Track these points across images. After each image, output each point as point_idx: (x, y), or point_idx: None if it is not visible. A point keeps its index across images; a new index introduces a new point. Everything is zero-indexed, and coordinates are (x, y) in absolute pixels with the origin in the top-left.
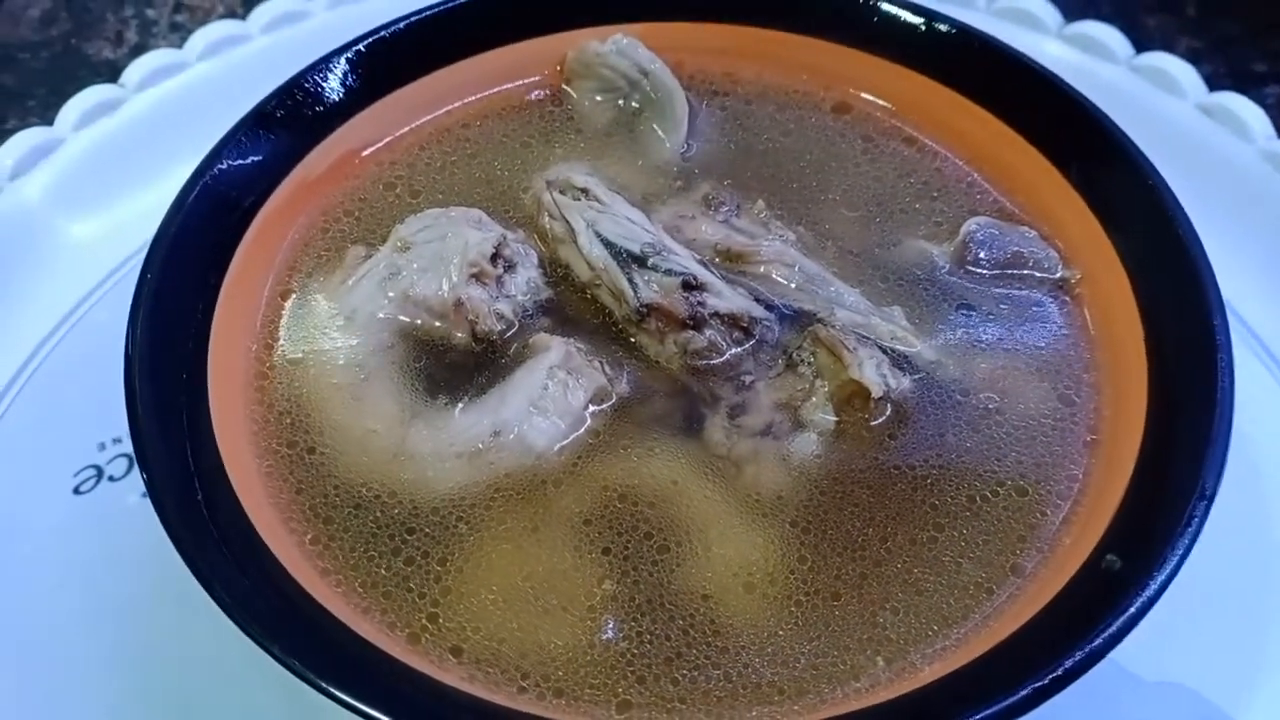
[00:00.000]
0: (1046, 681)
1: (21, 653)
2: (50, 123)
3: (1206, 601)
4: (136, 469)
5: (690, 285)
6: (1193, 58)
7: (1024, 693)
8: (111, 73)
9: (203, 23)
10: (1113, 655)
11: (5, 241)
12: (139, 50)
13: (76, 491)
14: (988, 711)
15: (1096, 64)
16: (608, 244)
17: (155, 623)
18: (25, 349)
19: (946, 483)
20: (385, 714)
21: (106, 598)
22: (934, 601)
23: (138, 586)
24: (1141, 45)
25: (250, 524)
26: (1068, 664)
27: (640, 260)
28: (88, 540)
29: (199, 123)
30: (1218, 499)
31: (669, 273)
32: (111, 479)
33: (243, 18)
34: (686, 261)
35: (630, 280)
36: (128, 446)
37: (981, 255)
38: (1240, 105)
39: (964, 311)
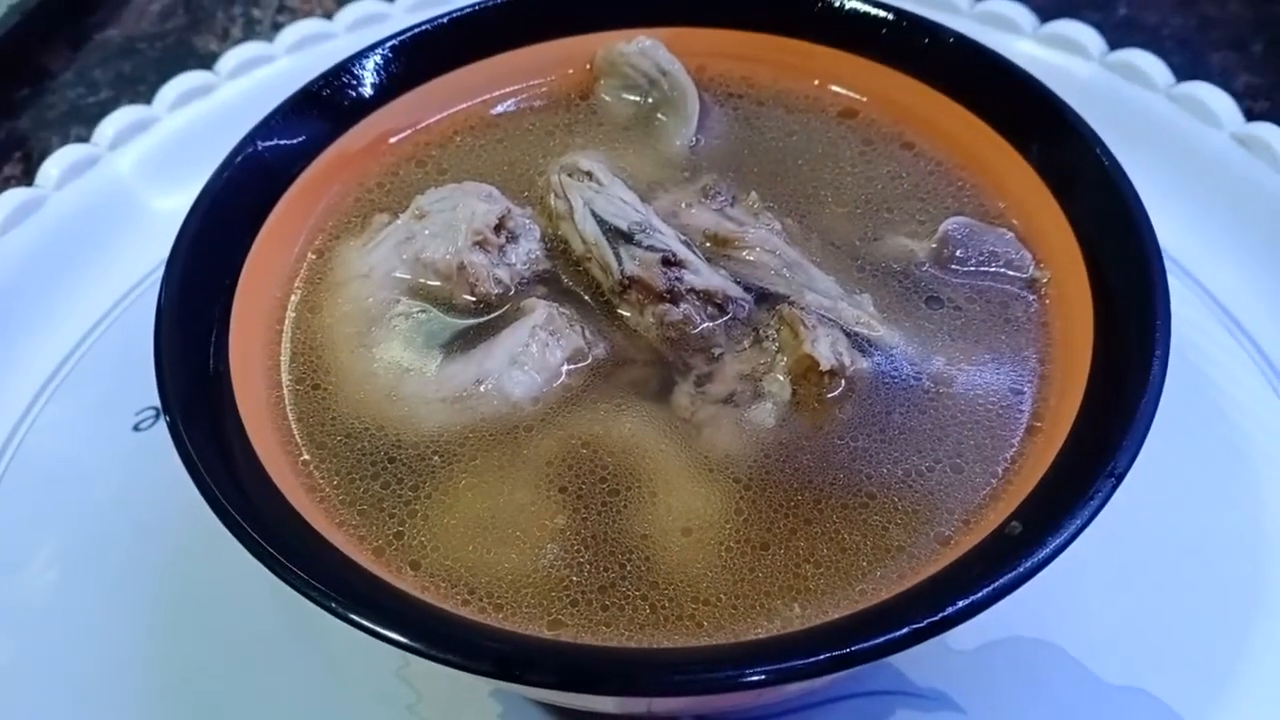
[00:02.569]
0: (924, 624)
1: (77, 563)
2: (150, 103)
3: (1183, 605)
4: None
5: (669, 261)
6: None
7: (902, 632)
8: (213, 64)
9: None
10: (1079, 659)
11: (98, 205)
12: (242, 44)
13: (136, 429)
14: (864, 645)
15: (1132, 88)
16: (600, 221)
17: (193, 544)
18: (106, 302)
19: (886, 456)
20: (349, 610)
21: (153, 522)
22: (856, 560)
23: (180, 513)
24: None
25: (250, 445)
26: (946, 611)
27: (627, 237)
28: (143, 471)
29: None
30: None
31: (651, 249)
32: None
33: (330, 18)
34: (669, 240)
35: (616, 254)
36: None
37: (958, 253)
38: (1273, 135)
39: (933, 303)
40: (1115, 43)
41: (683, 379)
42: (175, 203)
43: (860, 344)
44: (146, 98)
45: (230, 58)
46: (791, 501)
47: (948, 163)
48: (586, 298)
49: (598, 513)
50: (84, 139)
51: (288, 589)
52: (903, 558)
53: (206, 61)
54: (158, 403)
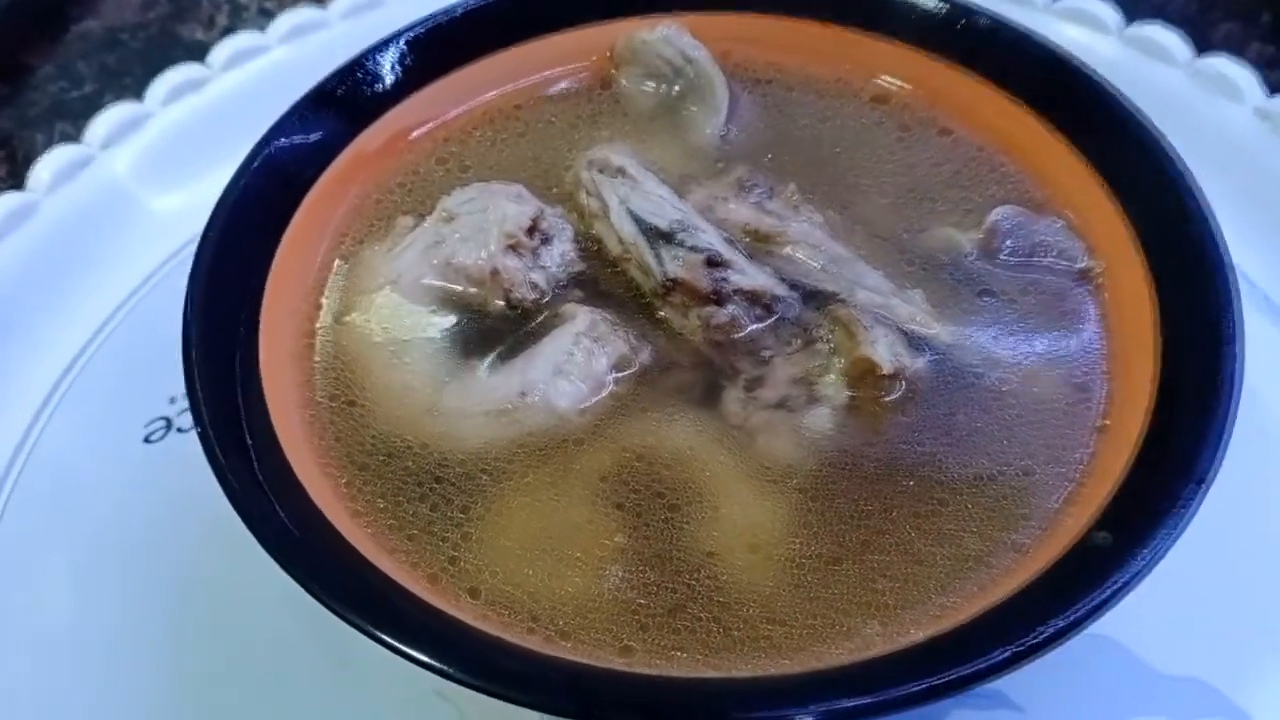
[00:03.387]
0: (1024, 647)
1: (89, 578)
2: (141, 98)
3: (1234, 594)
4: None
5: (714, 261)
6: (1263, 64)
7: (1002, 656)
8: (202, 54)
9: (289, 9)
10: (1132, 650)
11: (94, 207)
12: (228, 33)
13: (147, 440)
14: (965, 671)
15: (1154, 66)
16: (637, 220)
17: (210, 559)
18: (106, 308)
19: (953, 460)
20: (405, 644)
21: (168, 537)
22: (932, 571)
23: (197, 526)
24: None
25: (290, 467)
26: (1047, 632)
27: (667, 236)
28: (155, 484)
29: (278, 103)
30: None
31: (694, 249)
32: (180, 430)
33: (323, 5)
34: (712, 239)
35: (656, 255)
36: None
37: (1007, 243)
38: None
39: (985, 297)
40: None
41: (731, 384)
42: (174, 202)
43: (915, 342)
44: (134, 91)
45: (222, 49)
46: (860, 512)
47: (988, 149)
48: (625, 300)
49: (659, 530)
50: (71, 136)
51: (311, 603)
52: (980, 568)
53: (194, 52)
54: (168, 413)
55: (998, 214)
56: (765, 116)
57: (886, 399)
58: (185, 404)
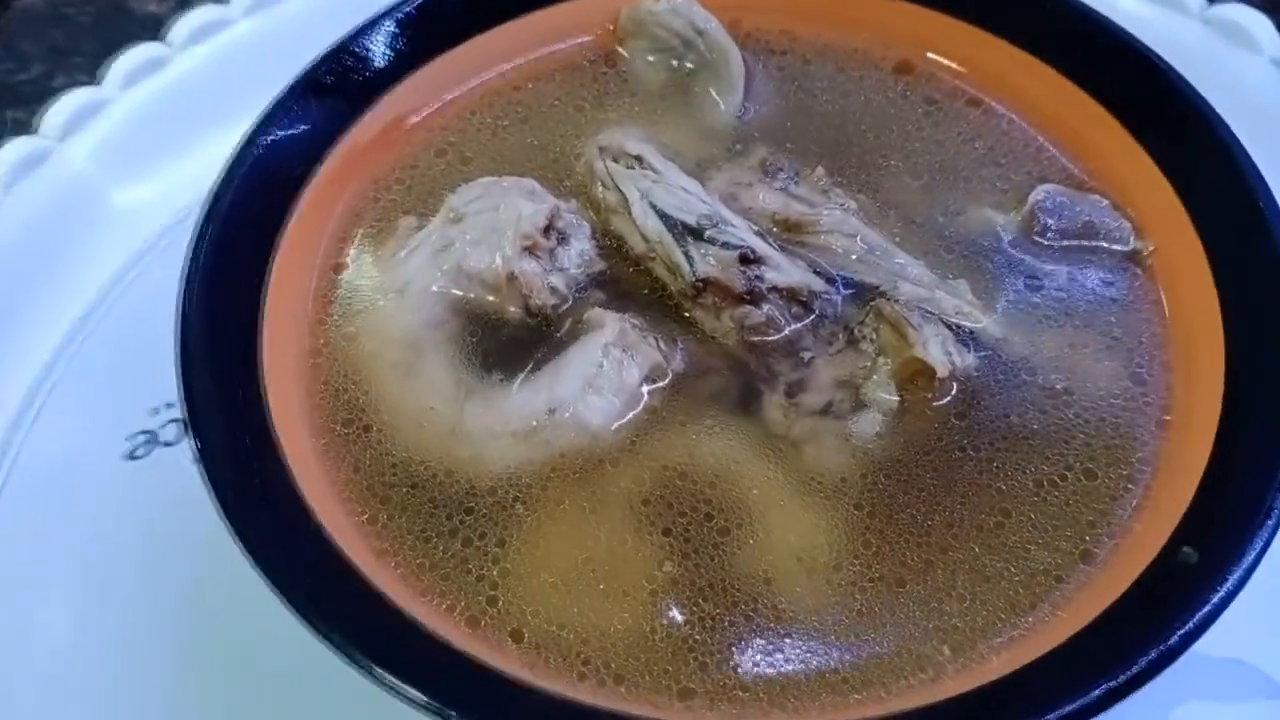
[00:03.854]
0: (1120, 682)
1: (77, 620)
2: (97, 81)
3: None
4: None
5: (748, 259)
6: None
7: (1097, 692)
8: (157, 28)
9: None
10: None
11: (55, 204)
12: (185, 4)
13: (131, 457)
14: (1061, 711)
15: (1169, 16)
16: (662, 215)
17: (210, 593)
18: (75, 312)
19: (1013, 465)
20: (446, 705)
21: (161, 566)
22: (1002, 589)
23: (193, 555)
24: None
25: (305, 502)
26: (1142, 663)
27: (696, 232)
28: (142, 507)
29: (246, 81)
30: None
31: (726, 245)
32: (166, 444)
33: None
34: (744, 234)
35: (686, 253)
36: (180, 411)
37: (1050, 225)
38: None
39: (1031, 285)
40: None
41: (769, 388)
42: (141, 195)
43: (963, 337)
44: (86, 71)
45: (182, 25)
46: (922, 527)
47: (1021, 121)
48: (650, 301)
49: (710, 556)
50: (23, 123)
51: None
52: (1051, 583)
53: (148, 26)
54: (150, 425)
55: (1040, 193)
56: (783, 92)
57: (938, 403)
58: (168, 415)
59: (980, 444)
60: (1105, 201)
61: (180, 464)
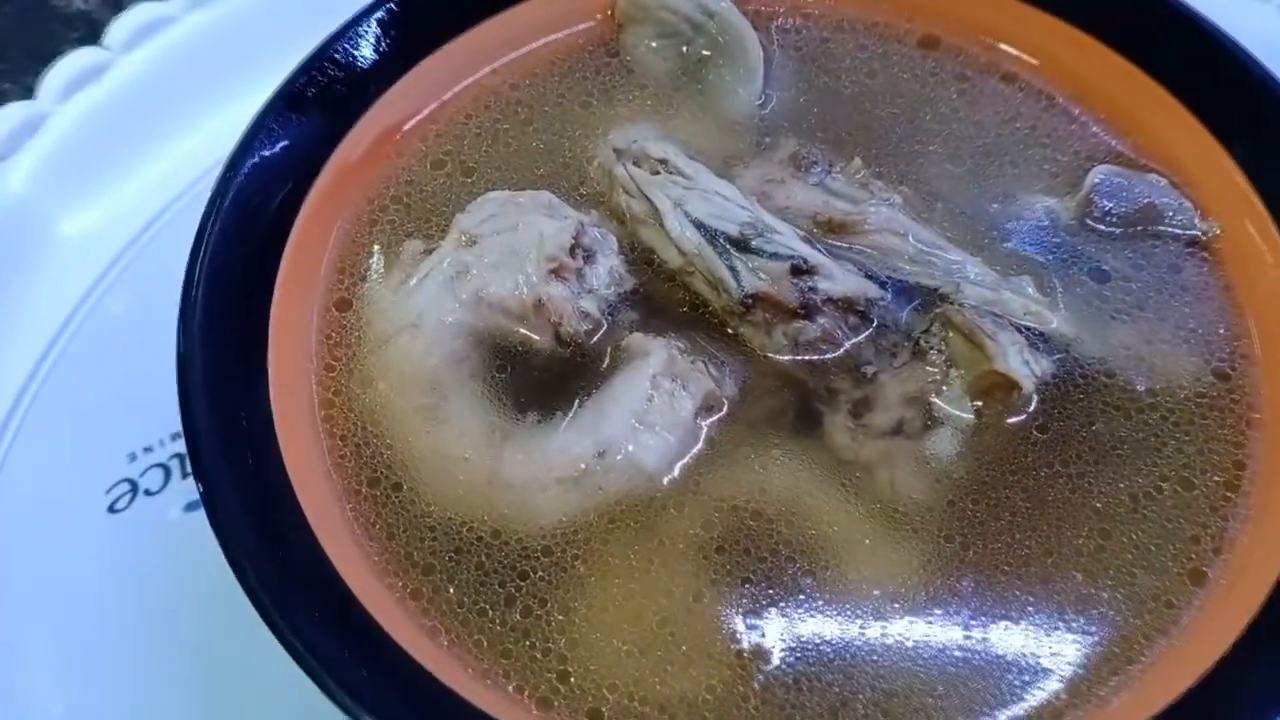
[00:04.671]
0: None
1: (67, 692)
2: (29, 92)
3: None
4: (174, 480)
5: (799, 269)
6: None
7: None
8: (88, 27)
9: None
10: None
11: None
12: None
13: (112, 510)
14: None
15: None
16: (700, 226)
17: (214, 657)
18: (32, 354)
19: (1106, 480)
20: None
21: (158, 632)
22: (1112, 620)
23: (194, 616)
24: None
25: (340, 579)
26: None
27: (740, 244)
28: (131, 564)
29: (196, 83)
30: None
31: (774, 256)
32: (148, 493)
33: None
34: (792, 241)
35: (730, 267)
36: (161, 455)
37: (1109, 209)
38: None
39: (1096, 277)
40: None
41: (831, 409)
42: (89, 221)
43: (1033, 340)
44: (10, 78)
45: (120, 26)
46: (1019, 557)
47: (1060, 95)
48: (690, 319)
49: (797, 606)
50: None
51: None
52: (1162, 610)
53: (76, 25)
54: (129, 474)
55: (1096, 175)
56: (804, 75)
57: (1016, 418)
58: (149, 461)
59: (1069, 459)
60: (1164, 181)
61: (167, 515)
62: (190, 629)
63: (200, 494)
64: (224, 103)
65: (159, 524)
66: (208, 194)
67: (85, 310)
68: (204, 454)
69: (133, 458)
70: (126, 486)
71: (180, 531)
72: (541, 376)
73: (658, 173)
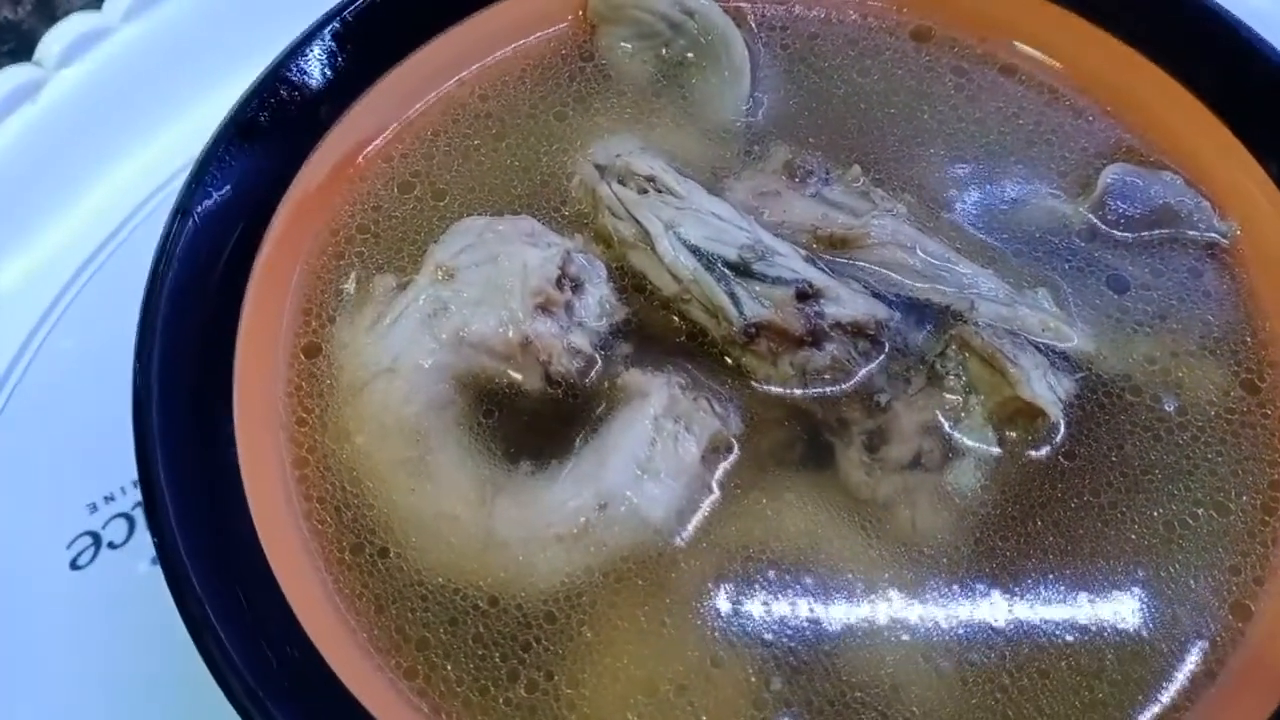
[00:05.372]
0: None
1: None
2: None
3: None
4: (139, 530)
5: (805, 294)
6: None
7: None
8: (18, 40)
9: None
10: None
11: None
12: (44, 9)
13: (74, 566)
14: None
15: None
16: (695, 250)
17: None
18: None
19: (1139, 509)
20: None
21: (131, 702)
22: (1157, 666)
23: (168, 683)
24: None
25: (324, 662)
26: None
27: (739, 268)
28: (98, 626)
29: (138, 102)
30: None
31: (777, 281)
32: (112, 545)
33: None
34: (795, 263)
35: (730, 294)
36: (123, 504)
37: (1124, 211)
38: None
39: (1114, 285)
40: None
41: (842, 441)
42: (32, 255)
43: (1053, 359)
44: None
45: (53, 40)
46: (1054, 598)
47: (1062, 87)
48: (686, 350)
49: (823, 666)
50: None
51: None
52: (1208, 649)
53: (4, 37)
54: (91, 526)
55: (1109, 175)
56: (793, 76)
57: (1043, 445)
58: (111, 511)
59: (1099, 488)
60: (1179, 178)
61: (135, 569)
62: (164, 701)
63: (166, 578)
64: (171, 117)
65: (126, 580)
66: (156, 218)
67: (32, 350)
68: (166, 535)
69: (93, 508)
70: (89, 540)
71: (149, 586)
72: (532, 421)
73: (646, 191)
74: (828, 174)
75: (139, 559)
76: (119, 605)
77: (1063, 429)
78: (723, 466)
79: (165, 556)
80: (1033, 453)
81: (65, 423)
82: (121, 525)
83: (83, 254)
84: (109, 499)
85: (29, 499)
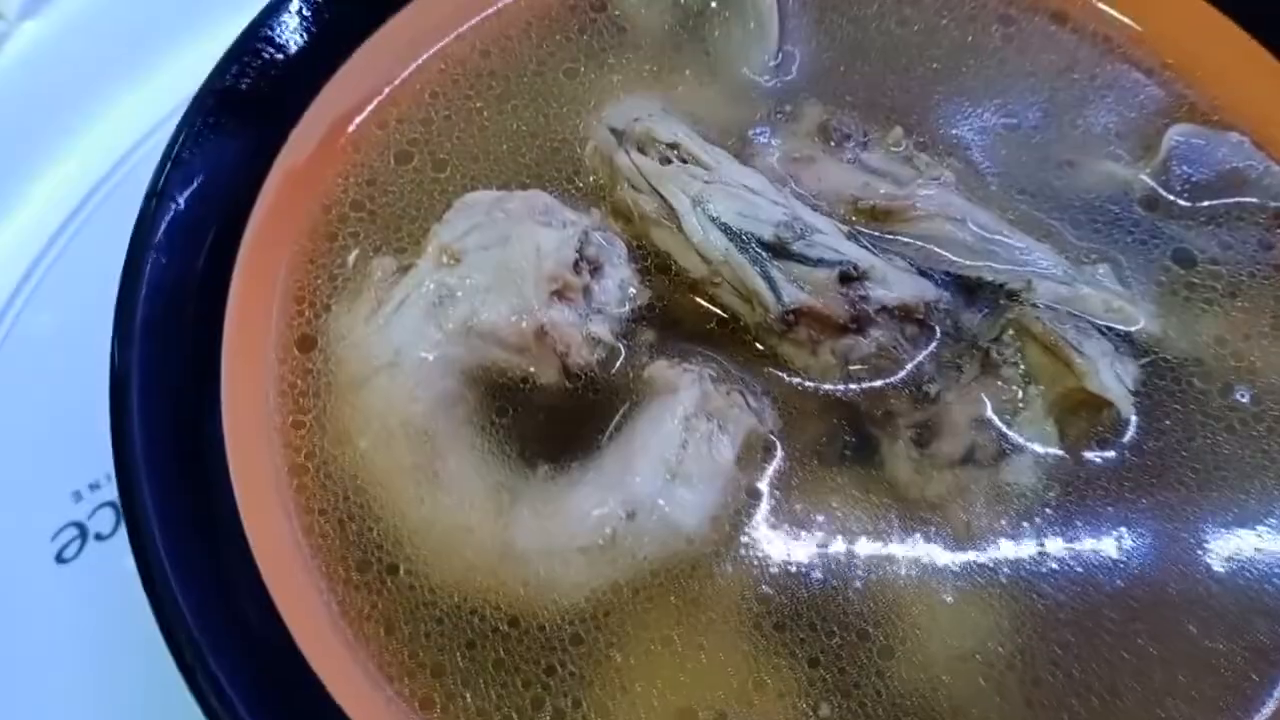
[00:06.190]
0: None
1: None
2: None
3: None
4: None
5: (849, 276)
6: None
7: None
8: None
9: None
10: None
11: None
12: None
13: (60, 559)
14: None
15: None
16: (726, 229)
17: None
18: None
19: (1212, 511)
20: None
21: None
22: (1232, 684)
23: (161, 684)
24: None
25: (329, 695)
26: None
27: (777, 249)
28: (86, 622)
29: (110, 56)
30: None
31: (819, 263)
32: (99, 537)
33: None
34: (837, 241)
35: (766, 277)
36: (109, 492)
37: (1189, 176)
38: None
39: (1181, 260)
40: None
41: (888, 435)
42: None
43: (1116, 343)
44: None
45: None
46: (1126, 610)
47: (1117, 36)
48: (714, 336)
49: (875, 689)
50: None
51: None
52: None
53: None
54: (77, 516)
55: (1173, 138)
56: (825, 26)
57: (1108, 437)
58: (97, 499)
59: (1169, 485)
60: (1246, 140)
61: (123, 562)
62: (155, 702)
63: (151, 607)
64: (145, 72)
65: (114, 573)
66: (136, 177)
67: (5, 327)
68: (153, 560)
69: (78, 497)
70: (74, 531)
71: (139, 581)
72: (549, 419)
73: (669, 161)
74: (866, 136)
75: (127, 551)
76: (109, 600)
77: (1133, 424)
78: (759, 468)
79: (150, 583)
80: (1096, 448)
81: (43, 404)
82: (108, 515)
83: (56, 221)
84: (94, 486)
85: (8, 488)
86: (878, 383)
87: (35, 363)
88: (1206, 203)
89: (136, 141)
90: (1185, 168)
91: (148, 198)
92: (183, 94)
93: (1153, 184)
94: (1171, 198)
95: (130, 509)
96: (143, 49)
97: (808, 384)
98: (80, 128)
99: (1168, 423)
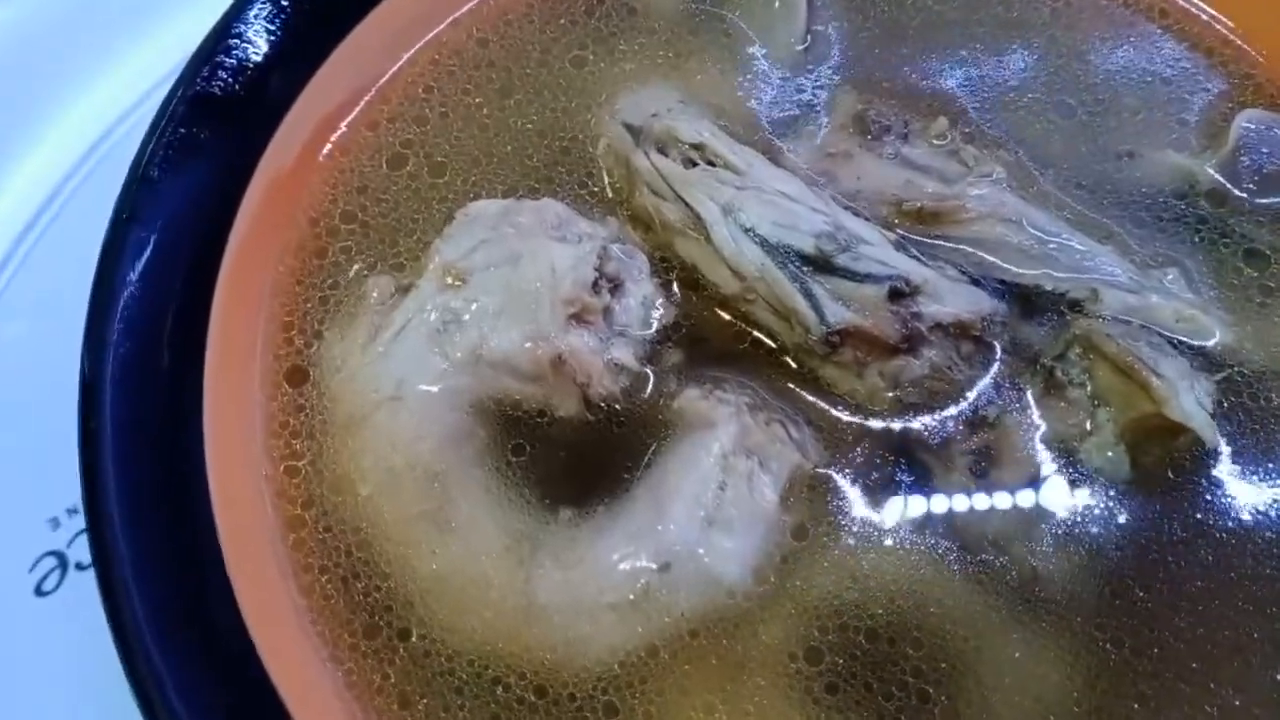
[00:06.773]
0: None
1: None
2: None
3: None
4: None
5: (900, 293)
6: None
7: None
8: None
9: None
10: None
11: None
12: None
13: (39, 592)
14: None
15: None
16: (762, 242)
17: None
18: None
19: None
20: None
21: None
22: None
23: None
24: None
25: None
26: None
27: (818, 263)
28: (70, 658)
29: (81, 43)
30: None
31: (867, 278)
32: (80, 566)
33: None
34: (886, 253)
35: (807, 293)
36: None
37: (1260, 167)
38: None
39: (1253, 261)
40: None
41: (943, 464)
42: None
43: (1190, 358)
44: None
45: None
46: (1203, 658)
47: (1174, 11)
48: (748, 355)
49: None
50: None
51: None
52: None
53: None
54: (55, 545)
55: (1242, 123)
56: (856, 2)
57: (1186, 464)
58: (76, 526)
59: (1248, 516)
60: None
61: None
62: None
63: (131, 689)
64: (118, 57)
65: (99, 605)
66: (111, 162)
67: None
68: (133, 639)
69: (55, 524)
70: (53, 561)
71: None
72: (571, 457)
73: (694, 163)
74: (907, 128)
75: None
76: (92, 634)
77: (1220, 456)
78: (805, 508)
79: (130, 664)
80: (1171, 476)
81: (15, 423)
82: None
83: (23, 218)
84: (72, 511)
85: None
86: (931, 407)
87: (7, 376)
88: (1277, 195)
89: (104, 132)
90: (1255, 158)
91: (114, 222)
92: (156, 76)
93: (1219, 176)
94: (1240, 192)
95: (107, 581)
96: (116, 36)
97: (853, 411)
98: (49, 116)
99: (1249, 445)
